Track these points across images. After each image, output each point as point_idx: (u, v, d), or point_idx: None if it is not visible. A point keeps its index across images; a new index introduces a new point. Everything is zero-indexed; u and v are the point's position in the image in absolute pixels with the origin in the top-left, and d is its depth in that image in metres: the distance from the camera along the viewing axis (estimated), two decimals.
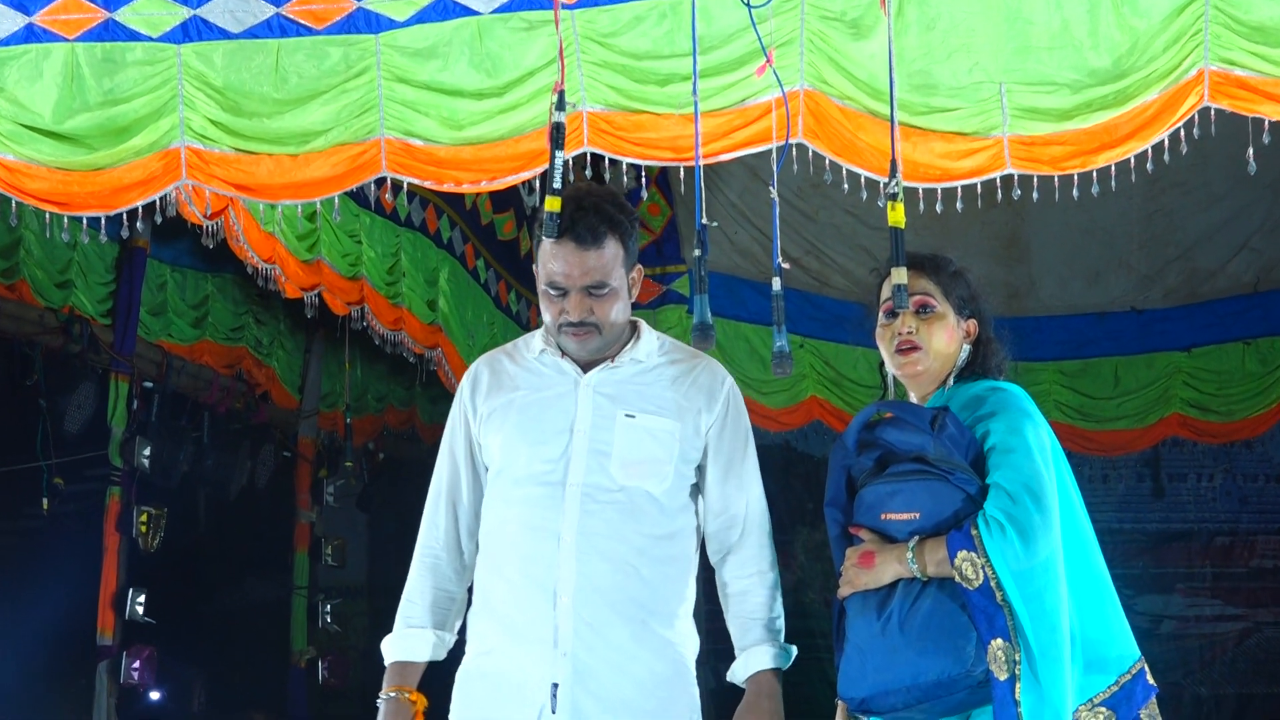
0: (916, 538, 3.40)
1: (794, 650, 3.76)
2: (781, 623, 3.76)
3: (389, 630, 3.79)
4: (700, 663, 3.81)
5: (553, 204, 3.59)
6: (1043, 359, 10.34)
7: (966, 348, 3.76)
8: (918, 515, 3.42)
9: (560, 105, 4.01)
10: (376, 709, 3.70)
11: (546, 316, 3.68)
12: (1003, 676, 3.28)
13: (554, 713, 3.54)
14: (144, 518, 8.67)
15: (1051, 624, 3.34)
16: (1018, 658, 3.28)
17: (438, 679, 3.84)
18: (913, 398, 3.80)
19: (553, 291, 3.64)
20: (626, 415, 3.67)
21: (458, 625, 3.83)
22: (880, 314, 3.81)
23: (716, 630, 3.91)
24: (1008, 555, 3.30)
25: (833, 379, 10.22)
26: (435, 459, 3.92)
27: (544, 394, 3.73)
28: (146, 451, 8.71)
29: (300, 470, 11.27)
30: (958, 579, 3.32)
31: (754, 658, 3.71)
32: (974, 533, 3.32)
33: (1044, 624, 3.33)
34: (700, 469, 3.77)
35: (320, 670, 10.98)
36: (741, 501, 3.78)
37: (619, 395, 3.71)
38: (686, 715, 3.69)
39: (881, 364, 3.88)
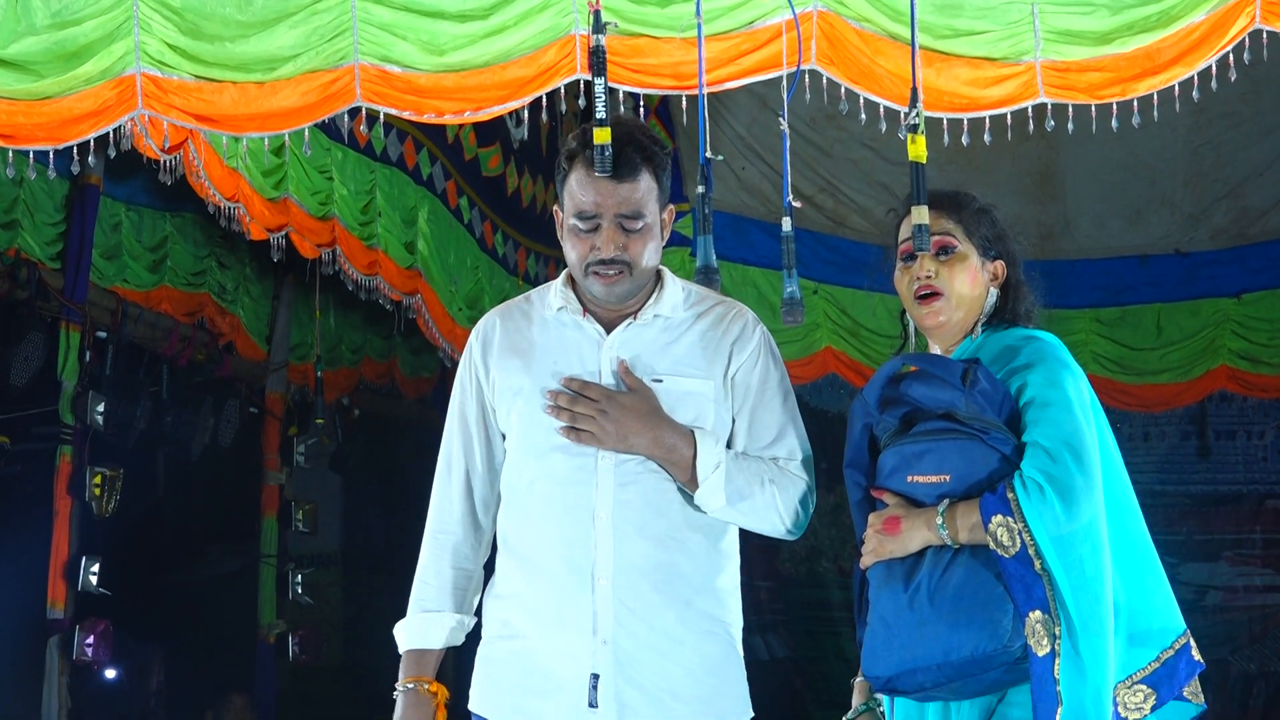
0: (946, 501, 3.39)
1: (723, 494, 3.63)
2: (762, 499, 3.75)
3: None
4: (749, 632, 3.80)
5: (602, 136, 3.57)
6: (1078, 306, 10.33)
7: (994, 292, 3.75)
8: (948, 478, 3.42)
9: (598, 26, 3.99)
10: (393, 700, 3.67)
11: (573, 256, 3.65)
12: (1041, 651, 3.27)
13: (594, 706, 3.53)
14: (98, 480, 8.65)
15: (1094, 594, 3.33)
16: (1057, 631, 3.28)
17: (450, 661, 3.83)
18: (935, 350, 3.79)
19: (581, 225, 3.61)
20: (654, 380, 3.65)
21: (476, 603, 3.80)
22: (898, 257, 3.81)
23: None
24: (1047, 519, 3.29)
25: (849, 328, 10.22)
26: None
27: (565, 357, 3.69)
28: (100, 408, 8.69)
29: (268, 428, 11.26)
30: (992, 546, 3.31)
31: (707, 441, 3.64)
32: (1010, 495, 3.31)
33: (1086, 594, 3.32)
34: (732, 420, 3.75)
35: (291, 646, 10.96)
36: (781, 450, 3.81)
37: (644, 356, 3.68)
38: (736, 702, 3.70)
39: (903, 312, 3.88)
